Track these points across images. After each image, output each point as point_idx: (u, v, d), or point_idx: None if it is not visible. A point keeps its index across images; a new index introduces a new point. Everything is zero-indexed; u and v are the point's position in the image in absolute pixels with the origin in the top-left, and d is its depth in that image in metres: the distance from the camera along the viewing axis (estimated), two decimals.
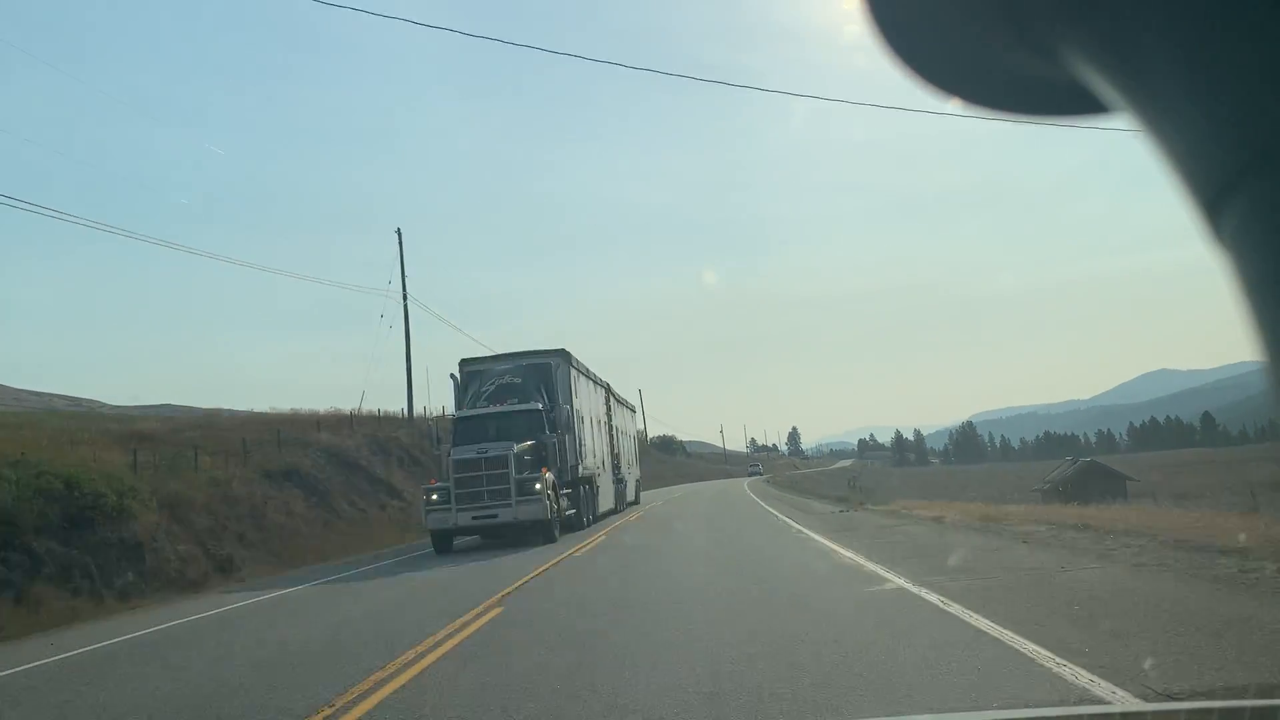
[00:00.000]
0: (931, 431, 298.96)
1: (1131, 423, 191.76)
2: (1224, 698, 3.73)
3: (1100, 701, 4.33)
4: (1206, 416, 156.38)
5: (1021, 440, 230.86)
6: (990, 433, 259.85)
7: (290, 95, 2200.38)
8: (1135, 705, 4.09)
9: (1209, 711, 2.40)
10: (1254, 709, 2.24)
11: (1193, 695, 4.17)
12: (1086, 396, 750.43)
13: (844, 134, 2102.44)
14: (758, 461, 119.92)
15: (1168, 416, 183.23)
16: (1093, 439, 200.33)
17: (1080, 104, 0.55)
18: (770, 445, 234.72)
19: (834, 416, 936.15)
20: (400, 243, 38.09)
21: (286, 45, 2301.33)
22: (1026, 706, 4.16)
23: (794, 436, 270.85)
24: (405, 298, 37.41)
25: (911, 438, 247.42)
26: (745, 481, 75.18)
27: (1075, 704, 4.20)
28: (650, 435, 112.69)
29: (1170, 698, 4.24)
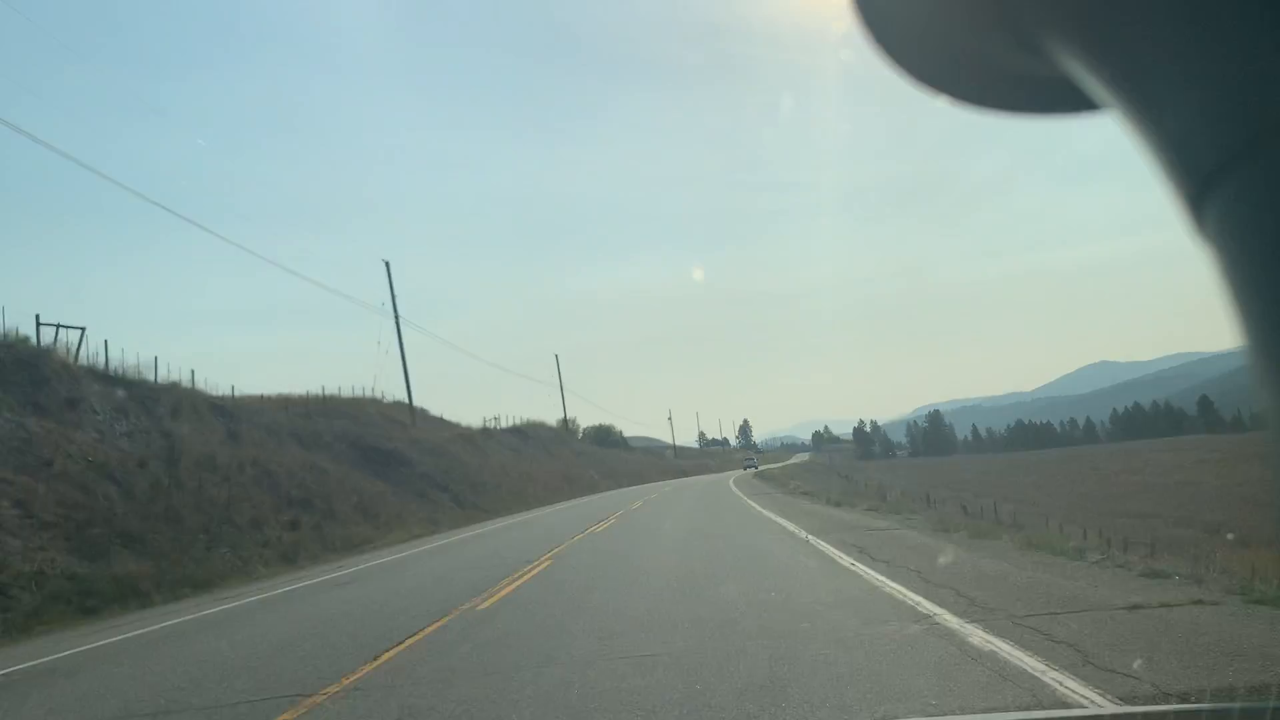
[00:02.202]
0: (883, 424, 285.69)
1: (1115, 409, 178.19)
2: (1213, 700, 3.84)
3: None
4: (1204, 400, 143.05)
5: (989, 430, 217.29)
6: (951, 424, 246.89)
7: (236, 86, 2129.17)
8: (1124, 708, 3.95)
9: (1197, 713, 2.58)
10: (1242, 710, 2.35)
11: (1181, 697, 4.10)
12: (1030, 389, 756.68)
13: (791, 131, 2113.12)
14: (753, 457, 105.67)
15: (1154, 402, 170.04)
16: (1067, 427, 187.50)
17: (1068, 100, 0.54)
18: (722, 439, 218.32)
19: (781, 410, 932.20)
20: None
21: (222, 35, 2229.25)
22: (1009, 710, 4.14)
23: (745, 430, 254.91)
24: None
25: (868, 429, 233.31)
26: (731, 478, 56.19)
27: (1067, 707, 4.12)
28: (586, 425, 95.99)
29: (1158, 700, 4.15)
